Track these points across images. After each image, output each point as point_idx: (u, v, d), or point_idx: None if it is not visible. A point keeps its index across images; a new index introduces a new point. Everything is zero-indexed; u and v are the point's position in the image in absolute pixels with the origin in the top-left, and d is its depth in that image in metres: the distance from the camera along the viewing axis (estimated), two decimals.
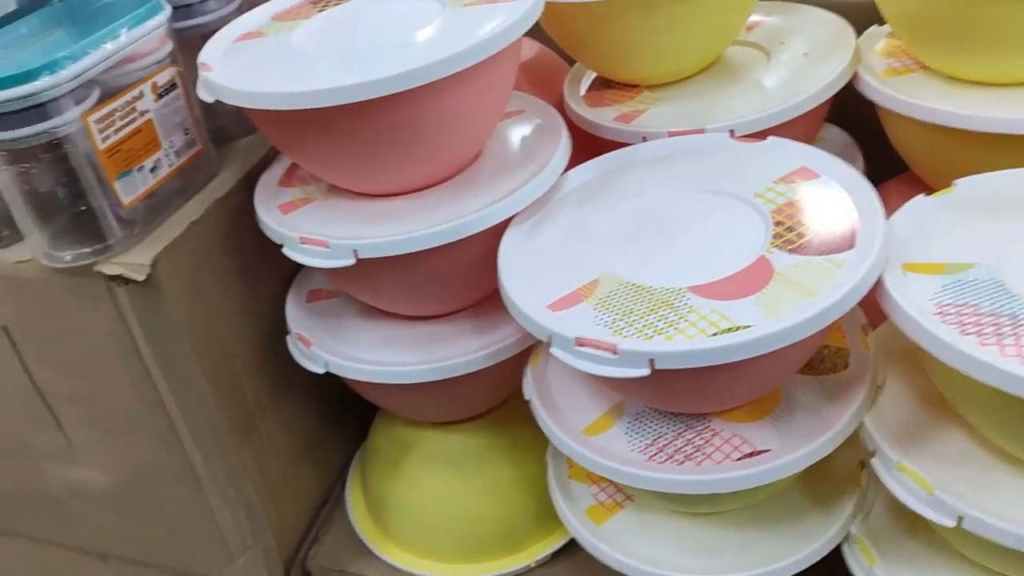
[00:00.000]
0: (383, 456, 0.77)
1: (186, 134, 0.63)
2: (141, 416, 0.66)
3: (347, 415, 0.83)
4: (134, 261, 0.58)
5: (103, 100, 0.56)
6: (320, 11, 0.65)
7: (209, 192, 0.65)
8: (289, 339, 0.69)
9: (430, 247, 0.56)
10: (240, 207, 0.65)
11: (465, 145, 0.61)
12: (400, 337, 0.66)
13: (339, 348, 0.66)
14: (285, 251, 0.60)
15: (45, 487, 0.75)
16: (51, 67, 0.53)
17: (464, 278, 0.63)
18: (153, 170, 0.61)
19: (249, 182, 0.67)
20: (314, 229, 0.59)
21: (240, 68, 0.58)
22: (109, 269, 0.58)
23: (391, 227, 0.57)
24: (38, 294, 0.62)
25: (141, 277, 0.58)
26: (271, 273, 0.71)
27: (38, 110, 0.53)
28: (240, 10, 0.69)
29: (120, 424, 0.67)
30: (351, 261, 0.57)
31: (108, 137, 0.57)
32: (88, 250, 0.58)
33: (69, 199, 0.57)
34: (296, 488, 0.77)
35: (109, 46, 0.56)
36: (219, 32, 0.64)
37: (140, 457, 0.69)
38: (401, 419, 0.75)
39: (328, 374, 0.66)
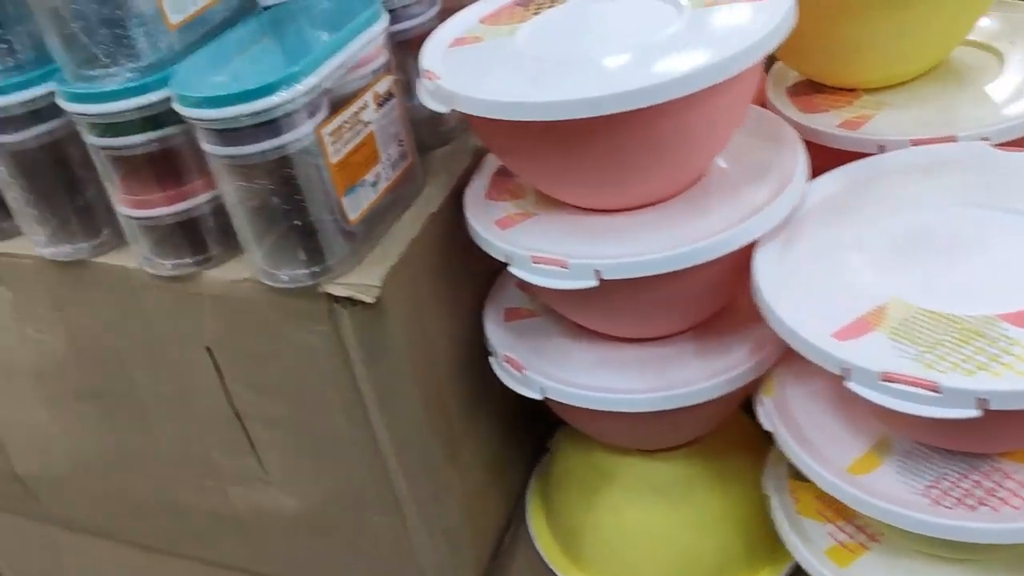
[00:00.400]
0: (576, 481, 0.73)
1: (400, 145, 0.60)
2: (345, 439, 0.63)
3: (527, 433, 0.79)
4: (361, 282, 0.55)
5: (333, 112, 0.53)
6: (535, 13, 0.61)
7: (420, 207, 0.61)
8: (494, 361, 0.65)
9: (681, 268, 0.52)
10: (451, 221, 0.62)
11: (706, 158, 0.57)
12: (619, 360, 0.62)
13: (553, 372, 0.62)
14: (513, 270, 0.57)
15: (230, 509, 0.73)
16: (287, 80, 0.50)
17: (698, 298, 0.59)
18: (374, 184, 0.58)
19: (456, 195, 0.63)
20: (544, 247, 0.56)
21: (468, 75, 0.55)
22: (336, 290, 0.55)
23: (634, 246, 0.53)
24: (249, 314, 0.59)
25: (371, 299, 0.55)
26: (469, 290, 0.68)
27: (272, 125, 0.50)
28: (442, 15, 0.66)
29: (320, 447, 0.65)
30: (593, 282, 0.53)
31: (339, 150, 0.54)
32: (307, 271, 0.55)
33: (293, 216, 0.54)
34: (486, 512, 0.74)
35: (341, 57, 0.53)
36: (431, 38, 0.60)
37: (338, 481, 0.66)
38: (599, 443, 0.71)
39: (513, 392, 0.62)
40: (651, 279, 0.53)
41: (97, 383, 0.69)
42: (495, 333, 0.66)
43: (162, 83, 0.52)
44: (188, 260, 0.59)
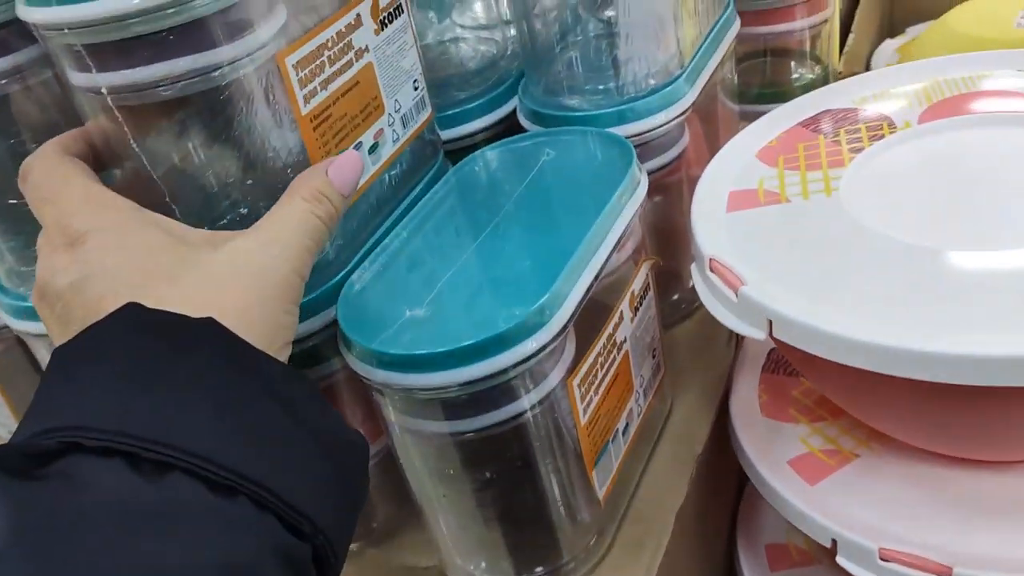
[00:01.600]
0: None
1: (653, 357, 0.40)
2: None
3: None
4: None
5: (581, 351, 0.34)
6: (854, 151, 0.40)
7: (675, 444, 0.42)
8: None
9: None
10: (715, 450, 0.42)
11: None
12: None
13: None
14: (844, 561, 0.37)
15: None
16: (530, 325, 0.30)
17: None
18: (625, 431, 0.38)
19: (710, 407, 0.43)
20: (894, 529, 0.35)
21: (790, 276, 0.35)
22: None
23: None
24: None
25: None
26: (718, 524, 0.48)
27: (502, 389, 0.31)
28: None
29: None
30: None
31: (589, 402, 0.34)
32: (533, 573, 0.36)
33: (515, 502, 0.35)
34: None
35: (602, 254, 0.33)
36: (698, 191, 0.40)
37: None
38: None
39: None
40: None
41: None
42: None
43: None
44: None
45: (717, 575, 0.47)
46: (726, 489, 0.47)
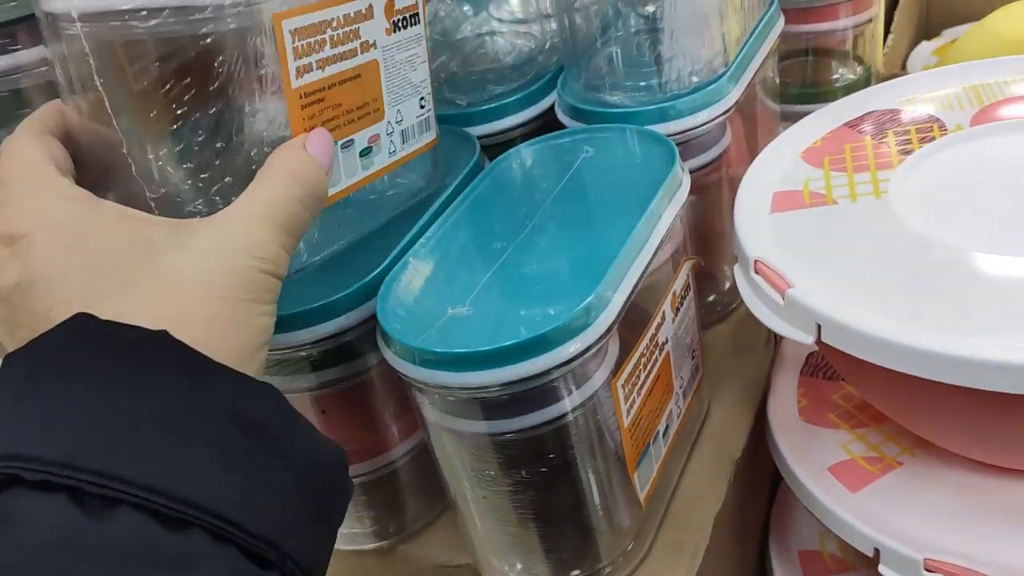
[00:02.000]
0: None
1: (692, 358, 0.40)
2: None
3: None
4: None
5: (624, 352, 0.33)
6: (903, 152, 0.39)
7: (713, 447, 0.41)
8: None
9: None
10: (753, 457, 0.41)
11: None
12: None
13: None
14: (886, 569, 0.36)
15: None
16: (578, 321, 0.29)
17: None
18: (665, 433, 0.37)
19: (746, 410, 0.43)
20: (939, 541, 0.34)
21: (840, 279, 0.34)
22: None
23: None
24: None
25: None
26: (752, 528, 0.47)
27: (546, 390, 0.30)
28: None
29: None
30: None
31: (632, 403, 0.33)
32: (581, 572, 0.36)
33: (554, 504, 0.34)
34: None
35: (646, 253, 0.33)
36: (741, 190, 0.40)
37: None
38: None
39: None
40: None
41: None
42: None
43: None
44: (370, 528, 0.39)
45: (752, 572, 0.47)
46: (760, 494, 0.47)
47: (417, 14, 0.34)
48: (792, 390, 0.44)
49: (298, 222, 0.26)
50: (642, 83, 0.42)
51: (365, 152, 0.33)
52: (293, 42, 0.29)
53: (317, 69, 0.30)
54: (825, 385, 0.44)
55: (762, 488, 0.47)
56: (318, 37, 0.30)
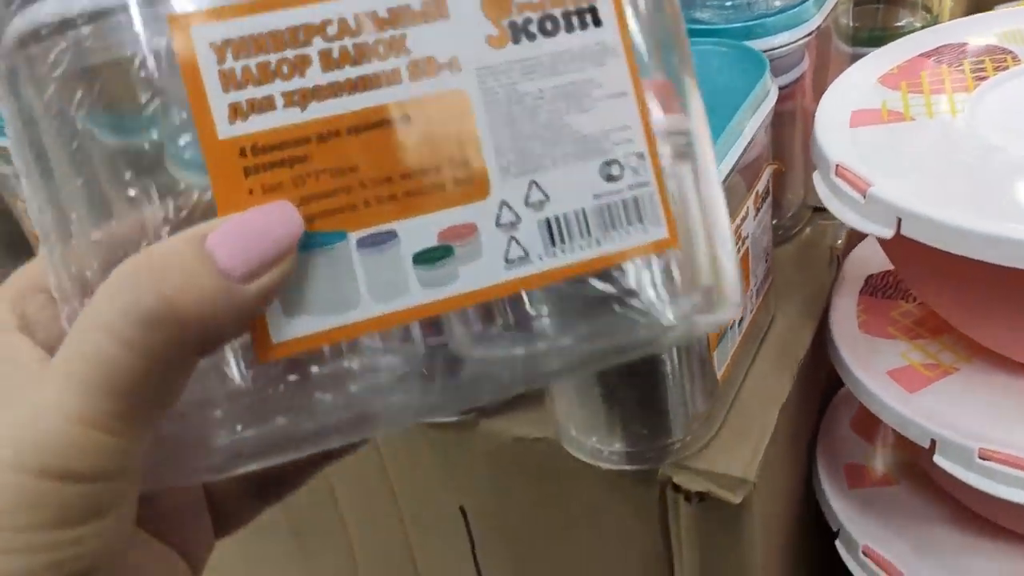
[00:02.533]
0: None
1: (766, 261, 0.42)
2: None
3: None
4: (725, 471, 0.37)
5: None
6: (977, 78, 0.42)
7: (778, 348, 0.43)
8: (845, 550, 0.47)
9: None
10: (813, 365, 0.44)
11: None
12: None
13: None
14: (941, 460, 0.38)
15: None
16: None
17: None
18: (740, 322, 0.40)
19: (810, 322, 0.45)
20: (995, 434, 0.37)
21: (916, 182, 0.36)
22: (688, 482, 0.37)
23: None
24: (531, 479, 0.42)
25: (737, 499, 0.37)
26: (804, 441, 0.50)
27: None
28: None
29: None
30: None
31: None
32: (642, 449, 0.38)
33: (640, 377, 0.37)
34: None
35: (736, 151, 0.35)
36: (821, 108, 0.42)
37: None
38: None
39: None
40: None
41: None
42: (844, 511, 0.48)
43: None
44: None
45: (800, 486, 0.49)
46: (813, 408, 0.49)
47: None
48: (852, 307, 0.46)
49: (143, 379, 0.17)
50: (729, 2, 0.44)
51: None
52: (221, 62, 0.18)
53: (287, 107, 0.19)
54: (884, 303, 0.46)
55: (813, 404, 0.50)
56: (288, 54, 0.19)
